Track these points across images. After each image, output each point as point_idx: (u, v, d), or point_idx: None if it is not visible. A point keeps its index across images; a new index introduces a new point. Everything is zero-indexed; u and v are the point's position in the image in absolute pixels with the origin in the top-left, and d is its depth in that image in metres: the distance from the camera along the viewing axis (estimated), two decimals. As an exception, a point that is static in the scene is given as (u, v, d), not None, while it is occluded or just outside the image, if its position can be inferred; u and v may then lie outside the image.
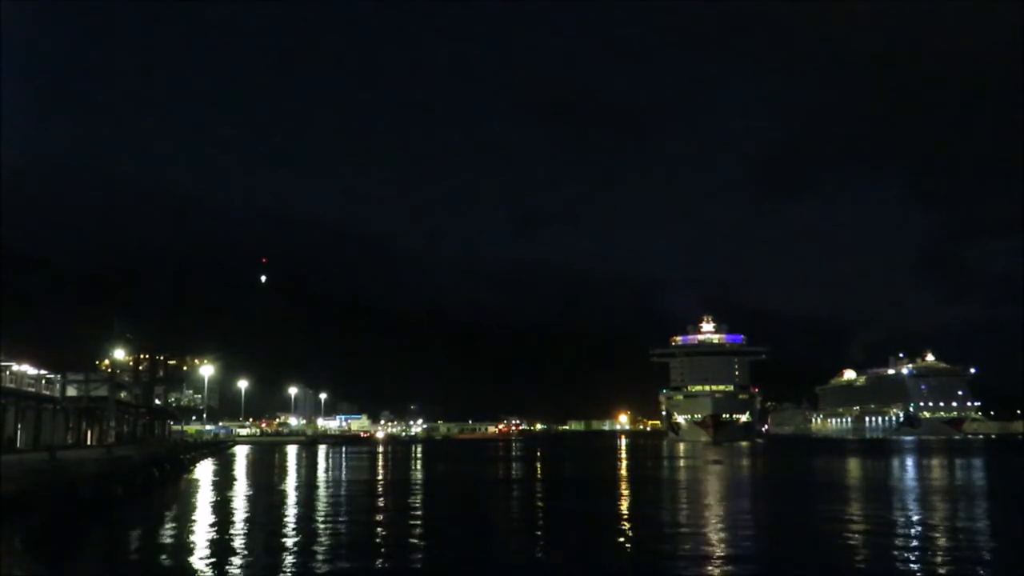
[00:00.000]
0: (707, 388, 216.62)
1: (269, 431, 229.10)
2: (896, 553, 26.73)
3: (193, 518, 37.22)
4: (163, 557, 26.93)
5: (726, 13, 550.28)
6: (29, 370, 67.64)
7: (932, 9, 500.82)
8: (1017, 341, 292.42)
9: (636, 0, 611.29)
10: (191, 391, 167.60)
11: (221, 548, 27.76)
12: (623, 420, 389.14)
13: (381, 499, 48.96)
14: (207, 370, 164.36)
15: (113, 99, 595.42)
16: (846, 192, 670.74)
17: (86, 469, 37.76)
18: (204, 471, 75.16)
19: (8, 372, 63.15)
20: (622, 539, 30.94)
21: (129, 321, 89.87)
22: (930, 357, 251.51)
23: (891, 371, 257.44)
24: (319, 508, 42.29)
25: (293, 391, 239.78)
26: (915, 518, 36.08)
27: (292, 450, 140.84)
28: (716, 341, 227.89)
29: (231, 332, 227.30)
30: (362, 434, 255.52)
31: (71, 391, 75.31)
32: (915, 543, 28.88)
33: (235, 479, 66.80)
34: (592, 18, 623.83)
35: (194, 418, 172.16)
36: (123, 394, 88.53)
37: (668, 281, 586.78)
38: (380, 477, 70.14)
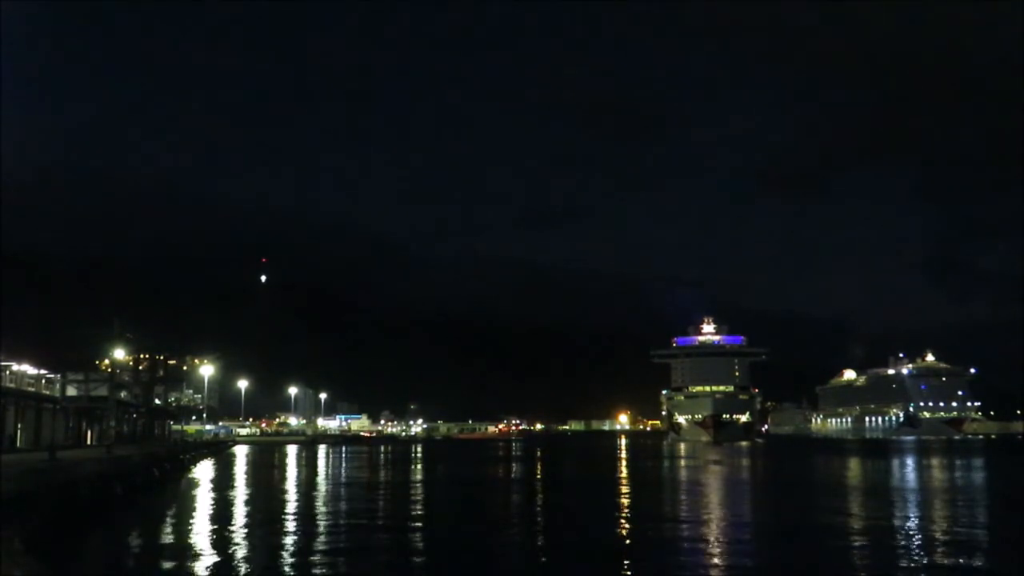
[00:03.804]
0: (707, 388, 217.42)
1: (269, 431, 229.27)
2: (896, 553, 26.72)
3: (193, 518, 37.24)
4: (163, 557, 26.90)
5: (731, 13, 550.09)
6: (29, 370, 67.62)
7: (938, 8, 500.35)
8: (1017, 341, 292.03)
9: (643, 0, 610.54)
10: (191, 391, 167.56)
11: (221, 548, 27.77)
12: (623, 420, 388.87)
13: (381, 499, 48.97)
14: (207, 370, 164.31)
15: (113, 98, 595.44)
16: (849, 192, 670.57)
17: (86, 469, 37.71)
18: (204, 471, 75.17)
19: (8, 372, 63.13)
20: (623, 540, 30.94)
21: (129, 321, 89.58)
22: (930, 357, 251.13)
23: (891, 371, 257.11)
24: (318, 508, 42.31)
25: (293, 391, 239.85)
26: (914, 518, 36.09)
27: (292, 450, 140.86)
28: (716, 342, 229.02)
29: (231, 332, 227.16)
30: (363, 434, 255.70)
31: (71, 391, 75.21)
32: (915, 543, 28.87)
33: (235, 479, 66.82)
34: (599, 17, 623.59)
35: (194, 418, 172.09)
36: (123, 394, 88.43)
37: (669, 282, 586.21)
38: (380, 477, 70.18)
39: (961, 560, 25.30)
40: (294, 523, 35.19)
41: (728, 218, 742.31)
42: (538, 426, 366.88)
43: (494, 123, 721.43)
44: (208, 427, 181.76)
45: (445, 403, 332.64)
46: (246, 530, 32.78)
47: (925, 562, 25.27)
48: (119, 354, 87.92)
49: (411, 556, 27.27)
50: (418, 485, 60.44)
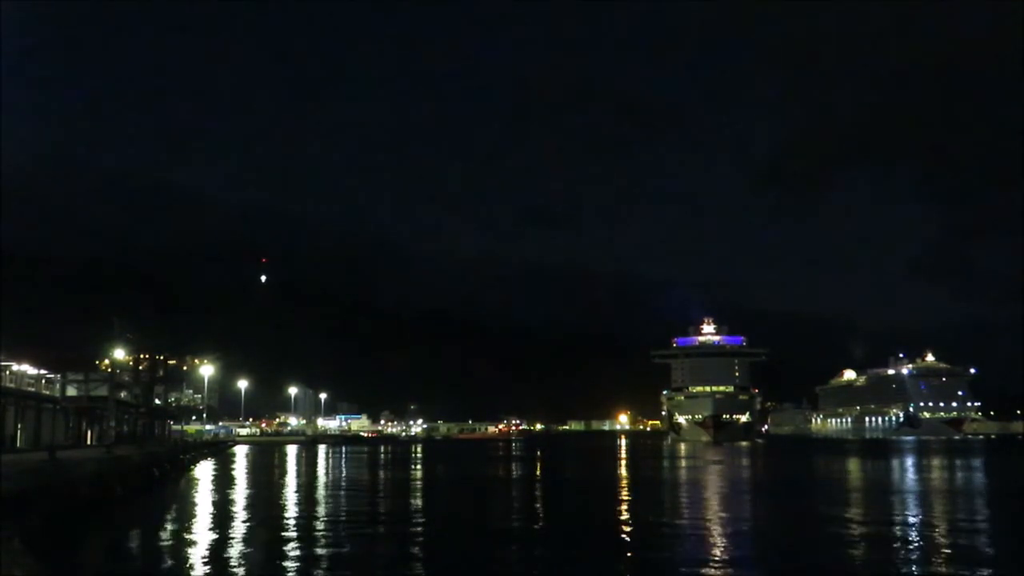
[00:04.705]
0: (708, 389, 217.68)
1: (269, 431, 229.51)
2: (896, 553, 26.70)
3: (192, 518, 37.22)
4: (163, 557, 26.90)
5: (734, 14, 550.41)
6: (29, 370, 67.63)
7: (939, 9, 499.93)
8: (1017, 341, 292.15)
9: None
10: (191, 391, 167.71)
11: (220, 548, 27.75)
12: (623, 420, 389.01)
13: (381, 498, 48.95)
14: (207, 370, 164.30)
15: (113, 98, 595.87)
16: (849, 191, 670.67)
17: (86, 469, 37.68)
18: (204, 471, 75.15)
19: (8, 372, 63.16)
20: (623, 541, 30.93)
21: (129, 321, 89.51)
22: (930, 357, 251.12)
23: (891, 371, 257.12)
24: (318, 508, 42.30)
25: (293, 391, 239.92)
26: (914, 518, 36.04)
27: (292, 450, 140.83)
28: (716, 342, 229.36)
29: (231, 332, 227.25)
30: (363, 434, 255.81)
31: (71, 391, 75.23)
32: (915, 543, 28.85)
33: (235, 479, 66.82)
34: (601, 16, 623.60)
35: (194, 418, 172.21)
36: (123, 394, 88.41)
37: (669, 282, 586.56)
38: (380, 477, 70.18)
39: (961, 560, 25.26)
40: (294, 523, 35.14)
41: (728, 218, 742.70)
42: (538, 426, 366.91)
43: (494, 123, 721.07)
44: (208, 427, 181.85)
45: (445, 403, 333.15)
46: (246, 530, 32.75)
47: (925, 561, 25.24)
48: (119, 354, 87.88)
49: (411, 554, 27.22)
50: (418, 484, 60.44)
